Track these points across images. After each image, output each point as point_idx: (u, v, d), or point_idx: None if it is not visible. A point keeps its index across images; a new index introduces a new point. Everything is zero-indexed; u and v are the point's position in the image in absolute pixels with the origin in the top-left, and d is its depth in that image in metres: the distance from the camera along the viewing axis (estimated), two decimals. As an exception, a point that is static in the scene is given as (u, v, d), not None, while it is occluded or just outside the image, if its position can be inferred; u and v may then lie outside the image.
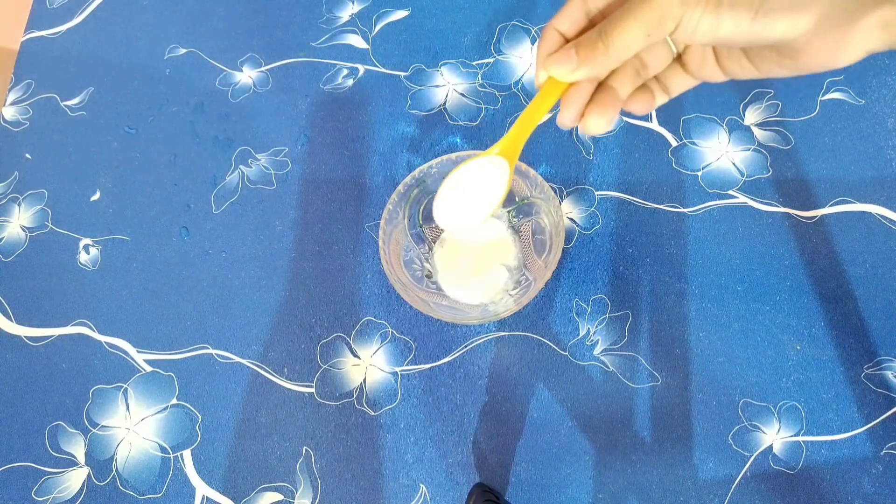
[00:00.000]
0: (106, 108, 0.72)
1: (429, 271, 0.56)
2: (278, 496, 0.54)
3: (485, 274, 0.55)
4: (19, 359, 0.60)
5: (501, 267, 0.55)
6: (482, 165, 0.36)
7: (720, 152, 0.64)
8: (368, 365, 0.58)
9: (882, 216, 0.59)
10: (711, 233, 0.60)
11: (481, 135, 0.66)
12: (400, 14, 0.74)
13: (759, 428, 0.53)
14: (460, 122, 0.67)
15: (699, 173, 0.63)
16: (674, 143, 0.64)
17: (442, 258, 0.56)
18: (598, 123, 0.26)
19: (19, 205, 0.67)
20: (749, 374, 0.55)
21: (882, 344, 0.55)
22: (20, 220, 0.66)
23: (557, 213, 0.51)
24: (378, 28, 0.74)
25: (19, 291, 0.63)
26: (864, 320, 0.56)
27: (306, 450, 0.55)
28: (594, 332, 0.57)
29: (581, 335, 0.57)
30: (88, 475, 0.56)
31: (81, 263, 0.64)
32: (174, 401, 0.58)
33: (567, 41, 0.26)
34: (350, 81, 0.71)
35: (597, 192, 0.63)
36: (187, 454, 0.56)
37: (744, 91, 0.66)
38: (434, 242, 0.57)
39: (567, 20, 0.26)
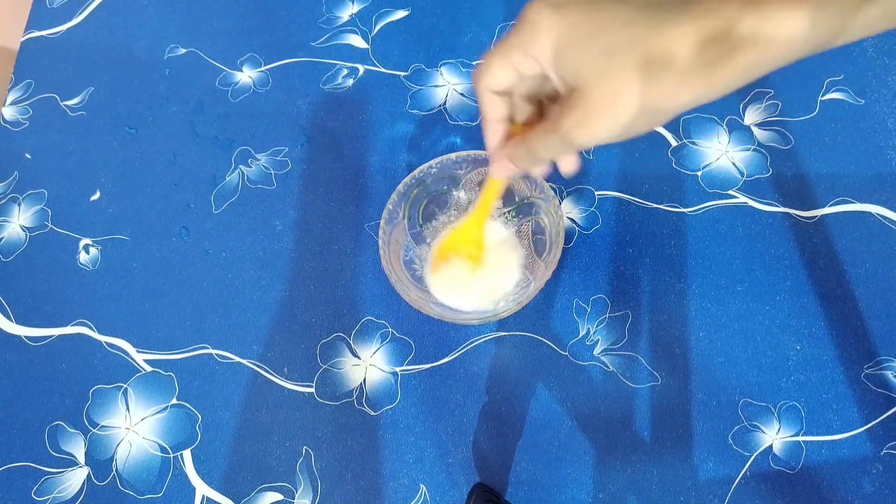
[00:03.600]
0: (106, 108, 0.72)
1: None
2: (278, 496, 0.54)
3: (489, 280, 0.54)
4: (19, 359, 0.60)
5: (514, 270, 0.54)
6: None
7: (720, 152, 0.64)
8: (368, 365, 0.58)
9: (882, 216, 0.59)
10: (711, 233, 0.60)
11: (481, 135, 0.66)
12: (400, 14, 0.74)
13: (759, 428, 0.53)
14: (460, 122, 0.67)
15: (699, 173, 0.63)
16: (674, 142, 0.64)
17: (435, 275, 0.54)
18: (570, 166, 0.33)
19: (19, 205, 0.67)
20: (749, 374, 0.55)
21: (882, 344, 0.55)
22: (20, 220, 0.66)
23: (557, 213, 0.51)
24: (378, 28, 0.74)
25: (19, 291, 0.63)
26: (864, 320, 0.56)
27: (306, 450, 0.55)
28: (594, 332, 0.57)
29: (581, 335, 0.57)
30: (88, 475, 0.56)
31: (81, 263, 0.64)
32: (174, 401, 0.58)
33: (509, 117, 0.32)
34: (350, 81, 0.71)
35: (597, 192, 0.63)
36: (187, 454, 0.56)
37: (743, 91, 0.66)
38: (433, 243, 0.56)
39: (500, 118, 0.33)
